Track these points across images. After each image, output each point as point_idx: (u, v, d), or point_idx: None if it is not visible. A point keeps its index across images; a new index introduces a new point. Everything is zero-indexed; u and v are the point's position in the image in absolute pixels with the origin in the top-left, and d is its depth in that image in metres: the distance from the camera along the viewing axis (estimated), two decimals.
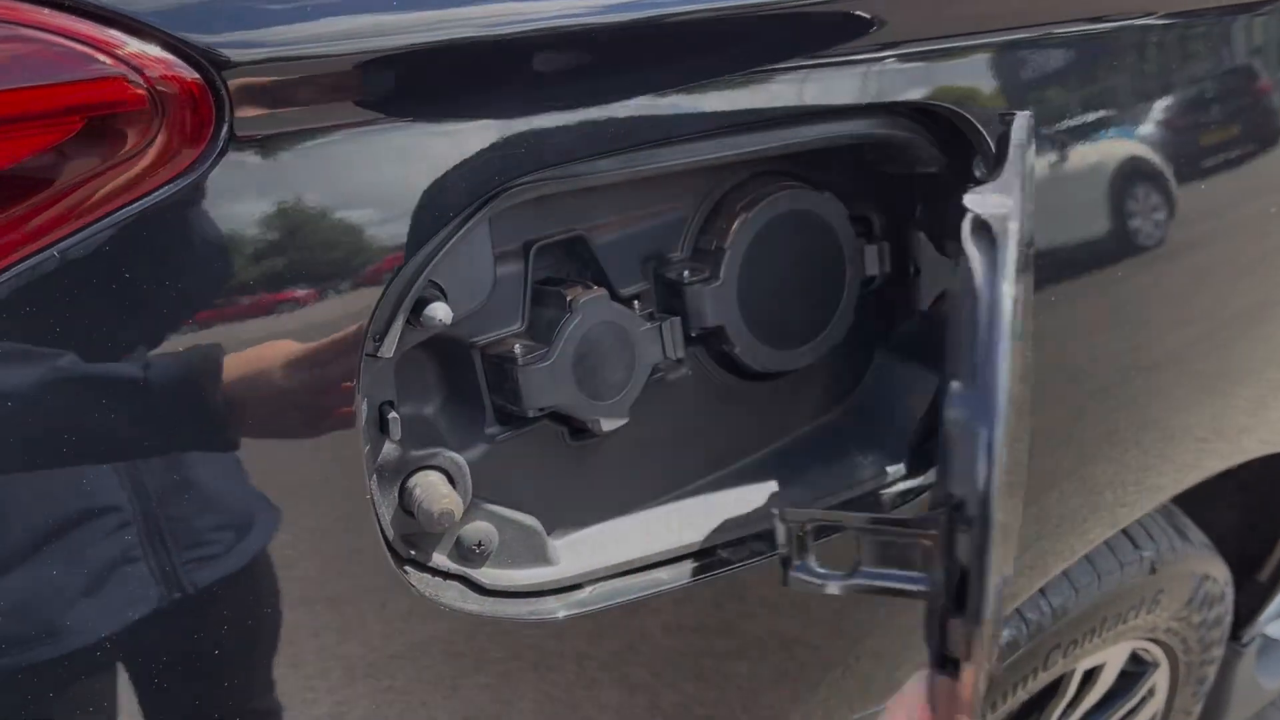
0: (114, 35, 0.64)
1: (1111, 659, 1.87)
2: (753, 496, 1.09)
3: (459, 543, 0.92)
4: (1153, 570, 1.74)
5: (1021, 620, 1.59)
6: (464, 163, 0.79)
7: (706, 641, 1.04)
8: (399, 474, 0.88)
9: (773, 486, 1.10)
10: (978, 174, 1.07)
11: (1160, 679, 2.04)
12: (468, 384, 0.94)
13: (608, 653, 0.98)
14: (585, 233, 0.97)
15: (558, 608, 0.95)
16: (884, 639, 1.18)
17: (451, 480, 0.89)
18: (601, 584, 0.99)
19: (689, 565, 1.03)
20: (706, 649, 1.04)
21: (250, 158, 0.71)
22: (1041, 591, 1.60)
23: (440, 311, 0.82)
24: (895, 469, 1.14)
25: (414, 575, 0.89)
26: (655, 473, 1.06)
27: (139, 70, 0.64)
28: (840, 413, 1.19)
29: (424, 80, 0.76)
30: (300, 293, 0.74)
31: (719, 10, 0.87)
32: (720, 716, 1.08)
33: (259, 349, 0.74)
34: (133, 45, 0.64)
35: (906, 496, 1.12)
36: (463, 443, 0.94)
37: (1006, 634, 1.57)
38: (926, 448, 1.16)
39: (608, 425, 0.97)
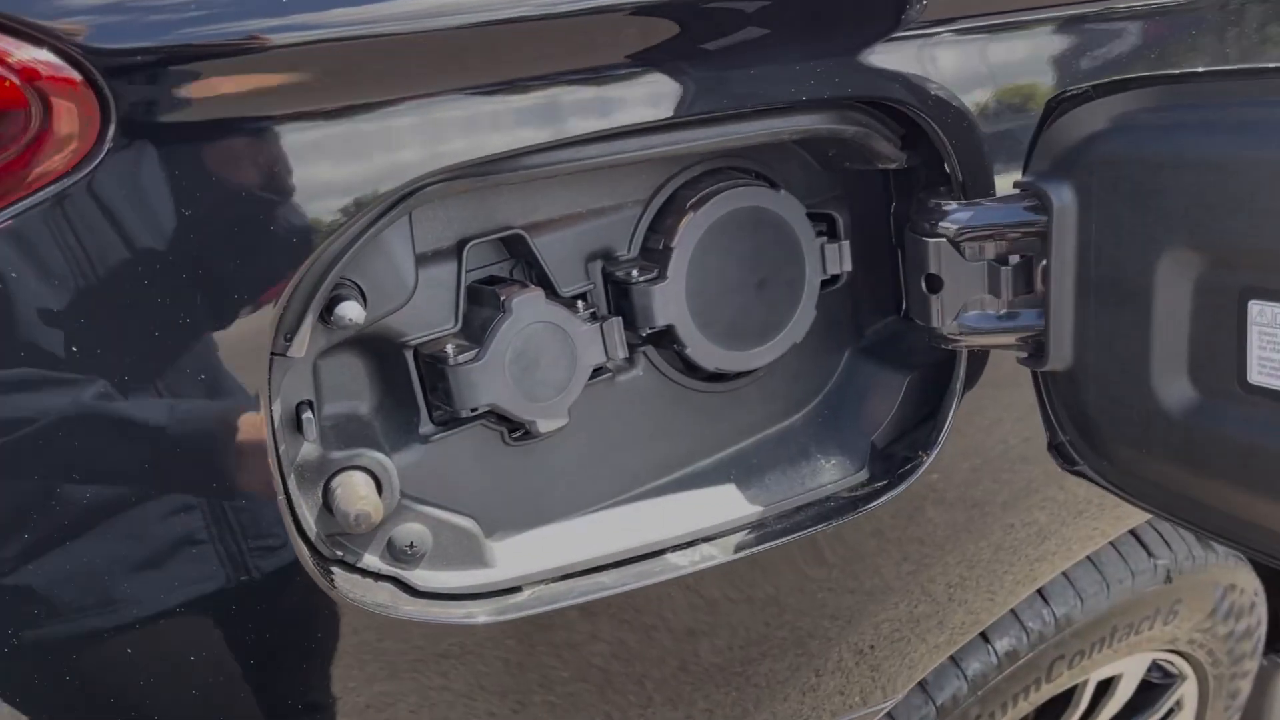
0: None
1: (1128, 670, 1.81)
2: (706, 499, 1.07)
3: (390, 544, 0.92)
4: (1169, 579, 1.67)
5: (1022, 628, 1.54)
6: (375, 157, 0.78)
7: (653, 646, 1.03)
8: (321, 474, 0.87)
9: (728, 490, 1.08)
10: (949, 172, 1.03)
11: (1188, 692, 1.96)
12: (401, 384, 0.94)
13: (545, 658, 0.97)
14: (525, 230, 0.96)
15: (490, 611, 0.94)
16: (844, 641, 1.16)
17: (378, 481, 0.89)
18: (541, 587, 0.98)
19: (635, 569, 1.01)
20: (653, 654, 1.03)
21: (142, 154, 0.70)
22: (1044, 599, 1.55)
23: (351, 311, 0.81)
24: (859, 474, 1.11)
25: (340, 576, 0.89)
26: (603, 474, 1.05)
27: (15, 70, 0.65)
28: (804, 415, 1.16)
29: (328, 72, 0.75)
30: (199, 290, 0.74)
31: None
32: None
33: (158, 345, 0.74)
34: (7, 44, 0.65)
35: (867, 501, 1.08)
36: (396, 443, 0.94)
37: (1004, 642, 1.53)
38: (892, 452, 1.13)
39: (545, 426, 0.95)
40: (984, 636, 1.49)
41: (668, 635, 1.04)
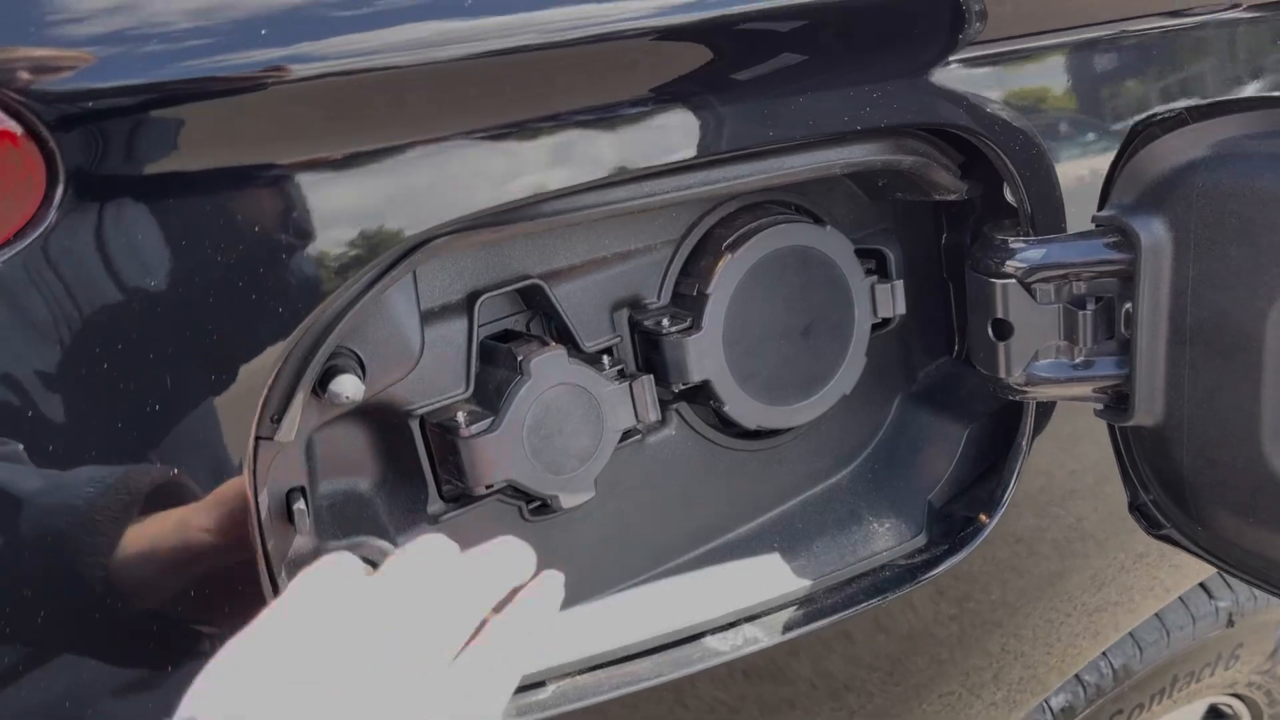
0: None
1: (1182, 718, 1.70)
2: (747, 573, 0.96)
3: None
4: (1231, 623, 1.56)
5: (1078, 682, 1.43)
6: (373, 209, 0.67)
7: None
8: None
9: (772, 561, 0.97)
10: (1010, 199, 0.93)
11: None
12: (407, 458, 0.82)
13: None
14: (543, 279, 0.85)
15: (513, 711, 0.83)
16: None
17: None
18: (568, 680, 0.86)
19: (671, 656, 0.90)
20: None
21: (99, 218, 0.59)
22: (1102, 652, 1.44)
23: (348, 387, 0.70)
24: (916, 539, 1.00)
25: None
26: (632, 549, 0.94)
27: None
28: (851, 471, 1.05)
29: (320, 115, 0.64)
30: (169, 372, 0.63)
31: (694, 20, 0.73)
32: None
33: (122, 437, 0.63)
34: None
35: (927, 569, 0.97)
36: (401, 524, 0.83)
37: (1061, 699, 1.41)
38: (950, 511, 1.02)
39: (569, 501, 0.84)
40: None
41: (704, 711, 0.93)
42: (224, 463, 0.66)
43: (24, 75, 0.56)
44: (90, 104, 0.57)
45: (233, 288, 0.63)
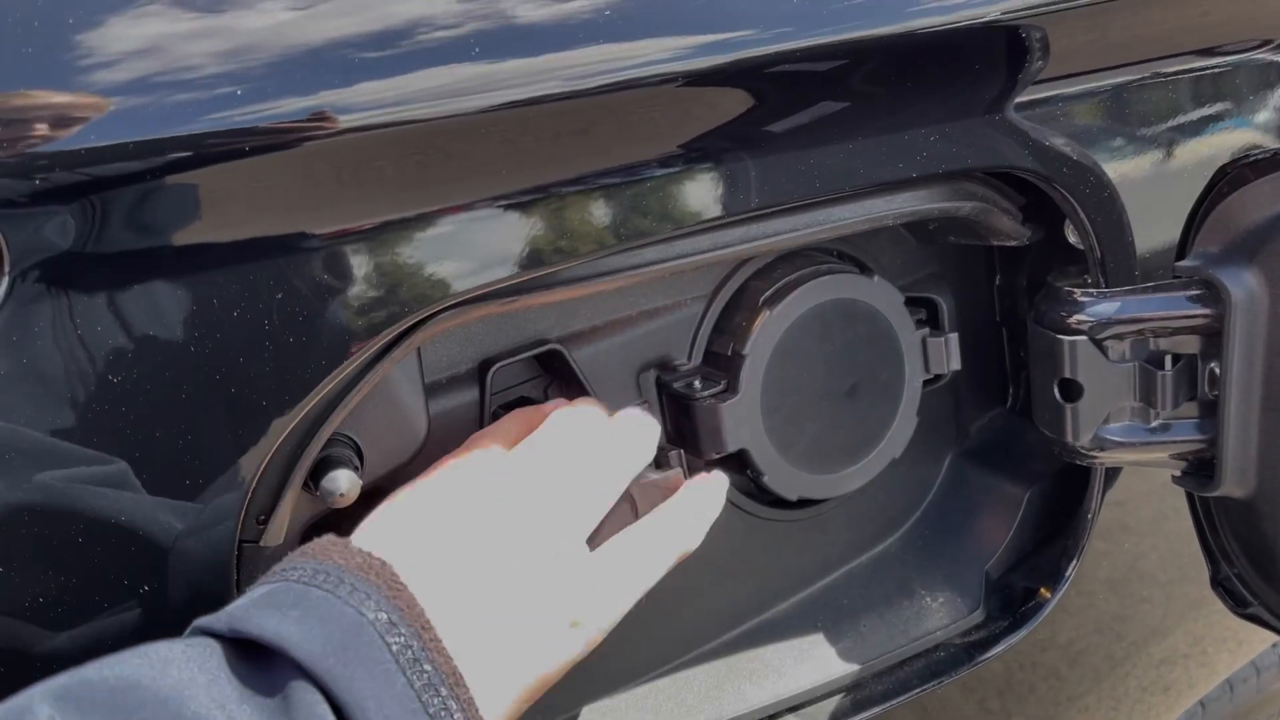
0: None
1: None
2: (788, 657, 0.87)
3: None
4: None
5: None
6: (369, 286, 0.59)
7: None
8: None
9: (815, 642, 0.88)
10: (1073, 241, 0.84)
11: None
12: None
13: None
14: (561, 344, 0.76)
15: None
16: None
17: None
18: None
19: None
20: None
21: (50, 307, 0.51)
22: None
23: (342, 483, 0.62)
24: (973, 615, 0.91)
25: None
26: (661, 633, 0.85)
27: None
28: (900, 537, 0.96)
29: (286, 187, 0.56)
30: (142, 471, 0.55)
31: (725, 62, 0.64)
32: None
33: (84, 552, 0.55)
34: None
35: (984, 649, 0.88)
36: None
37: None
38: (1009, 582, 0.93)
39: None
40: None
41: None
42: (200, 575, 0.58)
43: None
44: (36, 181, 0.50)
45: (208, 380, 0.55)
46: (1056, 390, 0.83)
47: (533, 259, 0.62)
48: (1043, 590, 0.90)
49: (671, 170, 0.64)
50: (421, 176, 0.58)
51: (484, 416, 0.74)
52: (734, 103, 0.65)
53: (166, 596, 0.57)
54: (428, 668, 0.47)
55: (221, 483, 0.57)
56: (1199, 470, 0.82)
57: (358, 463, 0.65)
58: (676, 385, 0.81)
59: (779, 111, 0.67)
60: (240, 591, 0.60)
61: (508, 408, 0.77)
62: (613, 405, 0.79)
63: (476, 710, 0.49)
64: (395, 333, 0.60)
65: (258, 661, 0.46)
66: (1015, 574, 0.93)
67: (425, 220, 0.58)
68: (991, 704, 0.94)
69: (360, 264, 0.58)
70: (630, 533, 0.64)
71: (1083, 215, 0.79)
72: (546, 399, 0.80)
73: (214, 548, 0.58)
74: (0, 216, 0.49)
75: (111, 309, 0.52)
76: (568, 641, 0.59)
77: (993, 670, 0.92)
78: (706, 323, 0.82)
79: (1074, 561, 0.90)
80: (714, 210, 0.67)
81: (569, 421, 0.66)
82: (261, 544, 0.61)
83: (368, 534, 0.57)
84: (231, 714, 0.42)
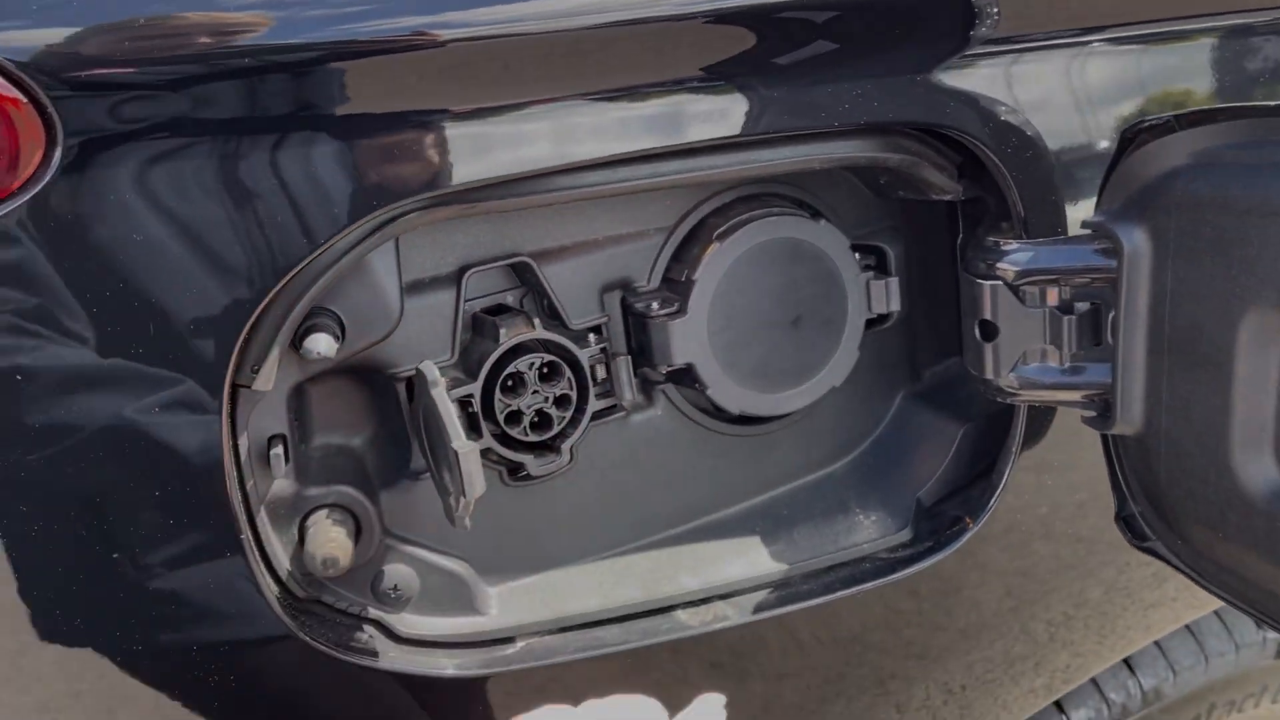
0: None
1: None
2: (725, 553, 0.98)
3: (374, 586, 0.87)
4: None
5: (1102, 699, 1.40)
6: (350, 178, 0.72)
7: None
8: (296, 512, 0.82)
9: (751, 543, 0.99)
10: (1018, 209, 0.92)
11: None
12: (393, 416, 0.88)
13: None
14: (533, 259, 0.89)
15: (480, 664, 0.88)
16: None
17: (358, 521, 0.84)
18: (535, 639, 0.91)
19: (640, 625, 0.93)
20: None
21: (92, 177, 0.67)
22: (1130, 668, 1.40)
23: (321, 344, 0.76)
24: (900, 534, 1.01)
25: (315, 618, 0.84)
26: (611, 520, 0.97)
27: None
28: (846, 464, 1.06)
29: (297, 86, 0.70)
30: (153, 318, 0.70)
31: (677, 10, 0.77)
32: None
33: (111, 372, 0.70)
34: None
35: (905, 565, 0.98)
36: (386, 479, 0.88)
37: (1081, 714, 1.39)
38: (940, 510, 1.02)
39: (539, 469, 0.89)
40: (1058, 706, 1.36)
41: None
42: (201, 405, 0.72)
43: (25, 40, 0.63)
44: (87, 73, 0.65)
45: (210, 246, 0.70)
46: (977, 330, 0.92)
47: (501, 168, 0.75)
48: (968, 519, 0.99)
49: (631, 98, 0.76)
50: (396, 85, 0.71)
51: (458, 313, 0.87)
52: (690, 43, 0.77)
53: (173, 418, 0.72)
54: None
55: (219, 333, 0.71)
56: (1104, 411, 0.90)
57: (339, 332, 0.78)
58: (637, 305, 0.93)
59: (725, 54, 0.78)
60: (231, 424, 0.74)
61: (487, 312, 0.90)
62: (577, 317, 0.91)
63: None
64: (372, 224, 0.74)
65: None
66: (946, 503, 1.03)
67: (400, 120, 0.72)
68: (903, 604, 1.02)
69: (347, 159, 0.72)
70: None
71: (1006, 171, 0.88)
72: (521, 307, 0.93)
73: (210, 385, 0.72)
74: (63, 106, 0.64)
75: (156, 177, 0.67)
76: None
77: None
78: (666, 251, 0.94)
79: (996, 492, 0.98)
80: (661, 140, 0.79)
81: None
82: (254, 388, 0.75)
83: None
84: None
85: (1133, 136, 0.83)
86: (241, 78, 0.68)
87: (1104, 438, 0.93)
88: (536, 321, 0.88)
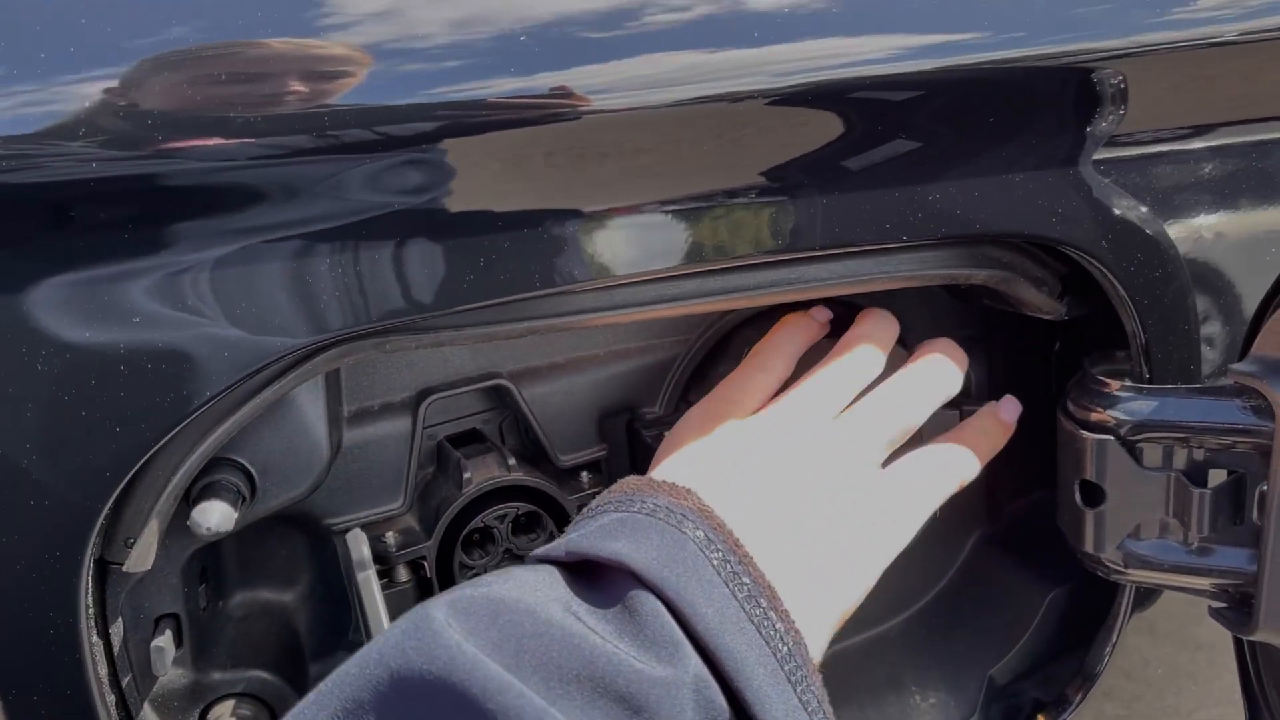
0: None
1: None
2: None
3: None
4: None
5: None
6: (264, 305, 0.54)
7: None
8: (194, 704, 0.66)
9: None
10: (1139, 339, 0.71)
11: None
12: (331, 571, 0.71)
13: None
14: (512, 381, 0.71)
15: None
16: None
17: (273, 713, 0.67)
18: None
19: None
20: None
21: None
22: None
23: (213, 518, 0.58)
24: None
25: None
26: None
27: None
28: (904, 622, 0.86)
29: (180, 202, 0.52)
30: None
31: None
32: None
33: None
34: None
35: None
36: (318, 651, 0.71)
37: None
38: (1016, 691, 0.82)
39: None
40: None
41: None
42: (52, 590, 0.56)
43: None
44: None
45: (76, 389, 0.53)
46: (1077, 492, 0.72)
47: (471, 293, 0.56)
48: (1040, 718, 0.79)
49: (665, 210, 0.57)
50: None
51: (413, 451, 0.69)
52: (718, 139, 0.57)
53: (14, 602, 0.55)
54: (746, 580, 0.50)
55: (75, 501, 0.54)
56: (1240, 606, 0.70)
57: (245, 492, 0.61)
58: (648, 436, 0.74)
59: (755, 150, 0.59)
60: (100, 610, 0.58)
61: (456, 441, 0.73)
62: (566, 452, 0.73)
63: (793, 621, 0.50)
64: (288, 362, 0.56)
65: (595, 579, 0.50)
66: (1025, 682, 0.82)
67: (325, 237, 0.54)
68: None
69: (248, 279, 0.54)
70: (919, 456, 0.66)
71: (1124, 293, 0.68)
72: (501, 436, 0.75)
73: (64, 567, 0.55)
74: None
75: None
76: (861, 568, 0.60)
77: None
78: (685, 369, 0.75)
79: (1095, 683, 0.78)
80: (669, 262, 0.59)
81: (873, 346, 0.68)
82: (125, 568, 0.58)
83: (667, 467, 0.61)
84: (584, 620, 0.47)
85: None
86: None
87: (1236, 639, 0.73)
88: (512, 461, 0.70)
